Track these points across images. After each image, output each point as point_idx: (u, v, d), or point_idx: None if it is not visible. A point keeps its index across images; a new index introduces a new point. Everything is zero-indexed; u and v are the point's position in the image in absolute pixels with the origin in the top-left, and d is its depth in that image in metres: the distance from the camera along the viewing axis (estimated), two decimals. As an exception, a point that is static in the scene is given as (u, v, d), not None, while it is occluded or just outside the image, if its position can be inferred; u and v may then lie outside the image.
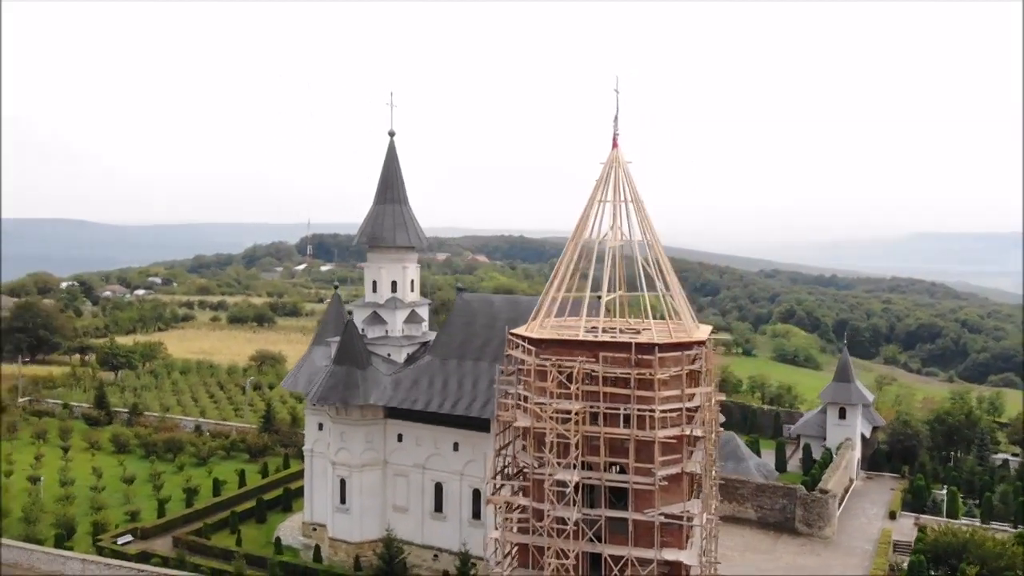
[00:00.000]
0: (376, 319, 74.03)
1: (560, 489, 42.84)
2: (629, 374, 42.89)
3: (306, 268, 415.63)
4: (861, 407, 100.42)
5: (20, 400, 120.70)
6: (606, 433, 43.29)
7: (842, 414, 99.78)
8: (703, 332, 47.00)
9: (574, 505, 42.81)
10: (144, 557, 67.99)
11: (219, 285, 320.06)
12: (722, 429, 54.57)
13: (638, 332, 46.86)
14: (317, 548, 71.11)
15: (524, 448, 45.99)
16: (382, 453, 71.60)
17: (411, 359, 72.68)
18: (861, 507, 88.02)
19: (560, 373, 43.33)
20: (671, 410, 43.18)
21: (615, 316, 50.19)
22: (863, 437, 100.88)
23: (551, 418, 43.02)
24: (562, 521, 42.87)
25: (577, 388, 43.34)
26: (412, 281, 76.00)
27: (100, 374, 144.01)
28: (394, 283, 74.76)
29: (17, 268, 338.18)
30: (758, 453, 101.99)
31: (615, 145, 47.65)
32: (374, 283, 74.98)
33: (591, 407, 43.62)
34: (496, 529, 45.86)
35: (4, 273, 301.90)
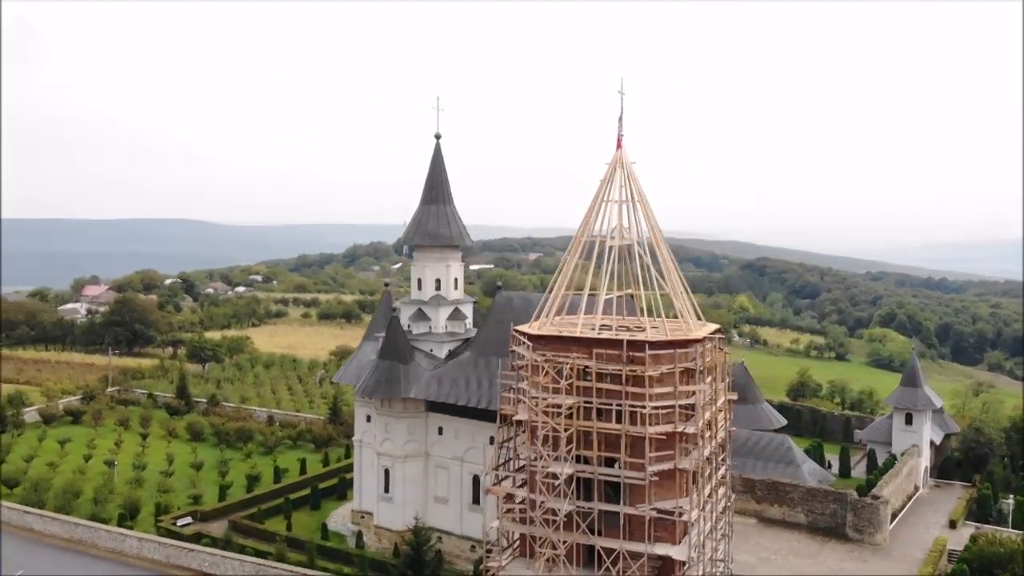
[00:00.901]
0: (421, 316, 76.29)
1: (551, 481, 43.91)
2: (621, 371, 43.60)
3: (401, 267, 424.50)
4: (931, 413, 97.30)
5: (109, 389, 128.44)
6: (599, 428, 44.10)
7: (908, 419, 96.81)
8: (703, 331, 47.15)
9: (564, 497, 43.78)
10: (197, 538, 71.98)
11: (315, 283, 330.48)
12: (731, 430, 54.23)
13: (643, 329, 47.44)
14: (359, 534, 73.89)
15: (524, 442, 47.21)
16: (424, 445, 73.80)
17: (452, 355, 74.61)
18: (923, 515, 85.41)
19: (553, 369, 44.38)
20: (663, 407, 43.61)
21: (624, 315, 50.80)
22: (933, 444, 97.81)
23: (543, 412, 44.11)
24: (553, 512, 43.93)
25: (569, 383, 44.29)
26: (456, 279, 77.94)
27: (187, 366, 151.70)
28: (438, 281, 76.86)
29: (134, 265, 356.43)
30: (821, 458, 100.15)
31: (619, 146, 48.36)
32: (419, 281, 77.27)
33: (585, 402, 44.51)
34: (497, 519, 47.27)
35: (117, 270, 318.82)
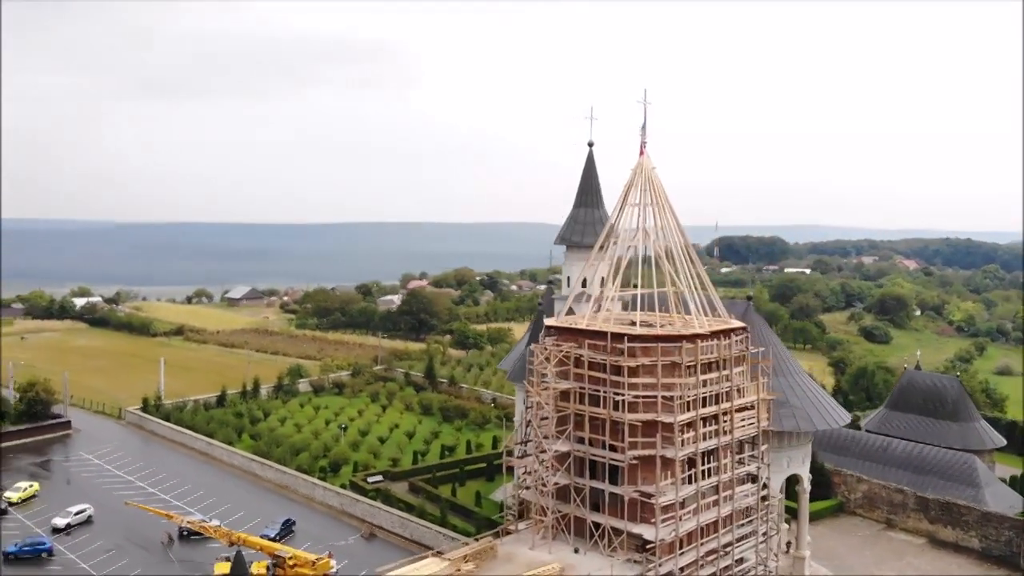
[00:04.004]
0: (569, 312, 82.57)
1: (543, 456, 49.10)
2: (606, 360, 47.64)
3: (707, 269, 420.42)
4: None
5: (375, 368, 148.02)
6: (590, 412, 48.45)
7: None
8: (703, 328, 49.09)
9: (555, 471, 48.79)
10: (366, 492, 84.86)
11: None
12: (767, 428, 54.68)
13: (653, 326, 50.76)
14: (502, 503, 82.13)
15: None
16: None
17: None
18: None
19: (544, 355, 49.43)
20: (643, 396, 46.85)
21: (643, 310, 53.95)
22: None
23: (540, 394, 49.39)
24: (543, 484, 49.08)
25: (564, 369, 49.13)
26: (602, 279, 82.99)
27: (451, 352, 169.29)
28: (584, 280, 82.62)
29: (469, 263, 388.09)
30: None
31: (642, 152, 51.92)
32: (568, 279, 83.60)
33: (580, 388, 49.04)
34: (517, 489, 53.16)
35: (435, 268, 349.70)
